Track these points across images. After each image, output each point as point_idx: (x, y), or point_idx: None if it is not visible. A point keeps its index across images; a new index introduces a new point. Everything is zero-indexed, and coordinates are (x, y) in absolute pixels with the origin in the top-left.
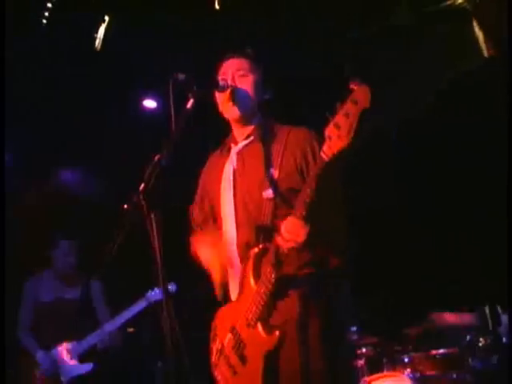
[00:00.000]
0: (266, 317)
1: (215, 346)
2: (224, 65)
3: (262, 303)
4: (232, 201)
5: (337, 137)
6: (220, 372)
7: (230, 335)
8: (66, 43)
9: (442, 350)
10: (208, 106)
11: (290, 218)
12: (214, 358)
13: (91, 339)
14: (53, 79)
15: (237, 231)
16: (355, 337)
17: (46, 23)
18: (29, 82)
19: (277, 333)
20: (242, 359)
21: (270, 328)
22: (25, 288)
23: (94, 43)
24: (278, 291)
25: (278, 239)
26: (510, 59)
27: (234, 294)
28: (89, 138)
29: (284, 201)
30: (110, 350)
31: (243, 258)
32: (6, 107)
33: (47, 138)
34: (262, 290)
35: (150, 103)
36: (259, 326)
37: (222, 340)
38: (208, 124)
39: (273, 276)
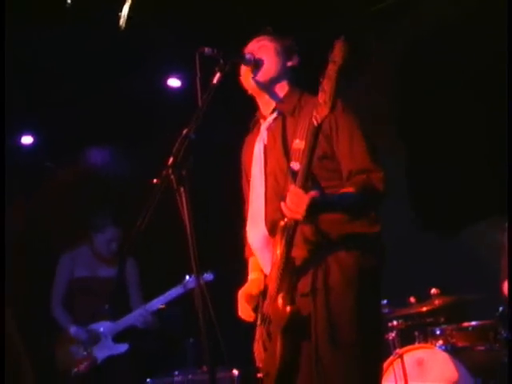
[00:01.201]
0: (288, 289)
1: (257, 323)
2: (247, 47)
3: (280, 277)
4: (263, 176)
5: (323, 102)
6: (257, 348)
7: (262, 311)
8: (90, 22)
9: (474, 322)
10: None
11: (291, 188)
12: (255, 333)
13: (127, 320)
14: (77, 59)
15: (265, 206)
16: (386, 310)
17: (70, 2)
18: (54, 62)
19: (288, 308)
20: (268, 335)
21: (288, 301)
22: (60, 262)
23: (119, 21)
24: (304, 262)
25: (284, 209)
26: (510, 59)
27: (266, 269)
28: (114, 117)
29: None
30: (150, 328)
31: (271, 233)
32: (32, 89)
33: (71, 118)
34: (281, 262)
35: (174, 82)
36: (279, 299)
37: (259, 320)
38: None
39: (287, 246)
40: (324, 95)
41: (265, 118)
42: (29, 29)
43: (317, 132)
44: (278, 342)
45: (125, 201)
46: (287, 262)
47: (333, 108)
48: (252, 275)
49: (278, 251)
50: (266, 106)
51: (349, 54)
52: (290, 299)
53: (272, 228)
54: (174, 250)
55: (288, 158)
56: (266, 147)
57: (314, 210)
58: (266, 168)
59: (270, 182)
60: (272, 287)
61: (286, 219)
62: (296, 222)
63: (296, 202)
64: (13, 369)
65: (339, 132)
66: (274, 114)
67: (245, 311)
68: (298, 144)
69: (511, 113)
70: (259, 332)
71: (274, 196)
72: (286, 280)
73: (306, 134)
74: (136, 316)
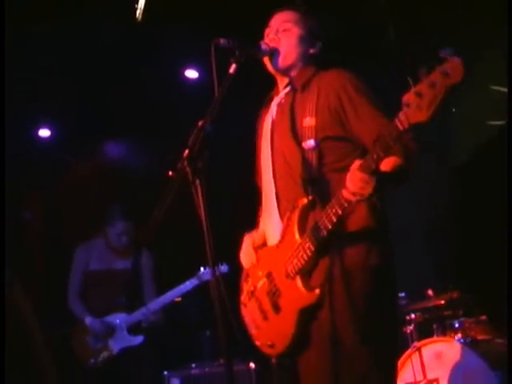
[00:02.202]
0: (306, 272)
1: (246, 287)
2: (271, 19)
3: (306, 258)
4: (269, 152)
5: (416, 106)
6: (249, 313)
7: (264, 280)
8: (106, 14)
9: None
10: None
11: (357, 173)
12: (243, 297)
13: (136, 316)
14: (94, 51)
15: (275, 182)
16: (404, 302)
17: None
18: (70, 55)
19: (317, 290)
20: (275, 307)
21: (309, 284)
22: (76, 254)
23: (135, 14)
24: (323, 248)
25: (345, 193)
26: (510, 64)
27: (271, 240)
28: (131, 109)
29: (325, 150)
30: (154, 326)
31: (284, 210)
32: (48, 82)
33: (88, 111)
34: (307, 245)
35: (191, 73)
36: (298, 280)
37: (254, 282)
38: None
39: (321, 234)
40: (419, 100)
41: (277, 94)
42: (44, 21)
43: (400, 137)
44: (294, 319)
45: (141, 193)
46: (319, 248)
47: (431, 118)
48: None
49: (297, 232)
50: (281, 82)
51: (464, 77)
52: (308, 283)
53: (283, 204)
54: (189, 241)
55: (296, 136)
56: (273, 122)
57: (377, 191)
58: (273, 143)
59: (278, 159)
60: (288, 265)
61: (309, 197)
62: (339, 214)
63: (361, 187)
64: (25, 347)
65: (358, 108)
66: (286, 90)
67: (249, 257)
68: (309, 121)
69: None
70: (257, 299)
71: (285, 174)
72: (309, 265)
73: (315, 111)
74: (139, 314)
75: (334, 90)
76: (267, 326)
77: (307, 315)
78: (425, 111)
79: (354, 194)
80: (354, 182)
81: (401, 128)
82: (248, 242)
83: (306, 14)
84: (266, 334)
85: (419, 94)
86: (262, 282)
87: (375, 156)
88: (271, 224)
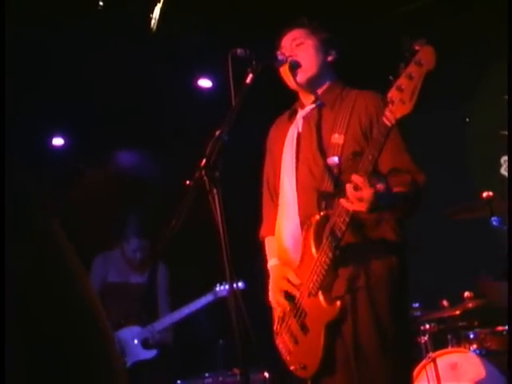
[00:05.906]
0: (327, 286)
1: (277, 314)
2: (282, 41)
3: (324, 272)
4: (294, 165)
5: (399, 100)
6: (282, 340)
7: (291, 303)
8: (120, 24)
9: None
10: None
11: (354, 178)
12: (275, 326)
13: (156, 326)
14: (108, 60)
15: (298, 197)
16: (418, 313)
17: (102, 5)
18: (84, 64)
19: (338, 303)
20: (303, 328)
21: (331, 298)
22: (94, 263)
23: (150, 23)
24: (341, 260)
25: (343, 201)
26: (510, 60)
27: (285, 242)
28: (144, 118)
29: (348, 166)
30: (161, 345)
31: (303, 220)
32: (62, 91)
33: (102, 120)
34: (323, 259)
35: (204, 82)
36: (320, 296)
37: (283, 308)
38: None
39: (333, 245)
40: (401, 94)
41: (303, 108)
42: (57, 30)
43: (389, 133)
44: (322, 336)
45: (154, 203)
46: (334, 259)
47: (414, 109)
48: (275, 261)
49: (314, 248)
50: (307, 97)
51: (437, 61)
52: (330, 297)
53: (304, 220)
54: (207, 255)
55: (323, 152)
56: (299, 135)
57: (378, 204)
58: (298, 156)
59: (303, 172)
60: (309, 283)
61: (322, 213)
62: (347, 222)
63: (360, 194)
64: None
65: None
66: (313, 105)
67: (279, 299)
68: (337, 139)
69: (511, 112)
70: (286, 325)
71: (308, 187)
72: (329, 278)
73: (345, 129)
74: (146, 332)
75: (368, 112)
76: (298, 349)
77: (333, 330)
78: (407, 103)
79: (352, 201)
80: (352, 189)
81: (389, 124)
82: (279, 286)
83: (313, 27)
84: (298, 357)
85: (400, 89)
86: (290, 306)
87: (370, 156)
88: (289, 231)
